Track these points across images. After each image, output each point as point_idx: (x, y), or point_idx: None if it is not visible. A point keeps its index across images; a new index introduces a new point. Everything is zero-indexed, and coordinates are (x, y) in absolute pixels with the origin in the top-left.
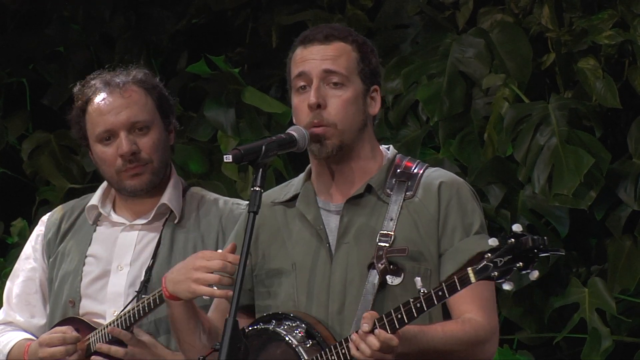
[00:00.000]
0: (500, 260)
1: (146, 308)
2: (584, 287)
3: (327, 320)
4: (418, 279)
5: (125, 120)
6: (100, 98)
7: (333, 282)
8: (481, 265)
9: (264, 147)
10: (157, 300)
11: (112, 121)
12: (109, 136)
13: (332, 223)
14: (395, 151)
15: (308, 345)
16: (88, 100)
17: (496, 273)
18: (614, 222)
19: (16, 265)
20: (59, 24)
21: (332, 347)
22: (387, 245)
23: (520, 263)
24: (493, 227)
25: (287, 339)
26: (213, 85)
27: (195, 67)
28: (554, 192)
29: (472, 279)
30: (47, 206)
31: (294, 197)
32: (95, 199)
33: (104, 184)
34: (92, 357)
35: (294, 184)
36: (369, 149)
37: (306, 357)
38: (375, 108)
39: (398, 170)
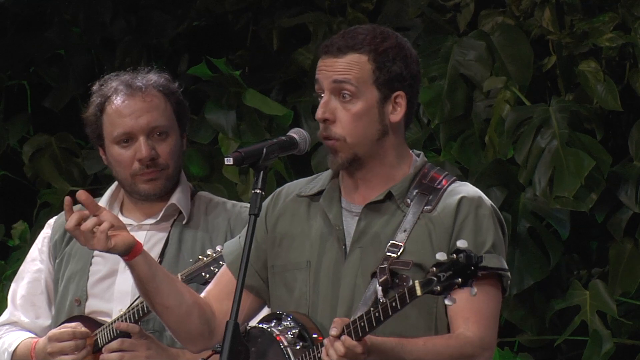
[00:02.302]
0: (443, 275)
1: None
2: (585, 290)
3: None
4: (379, 289)
5: (145, 124)
6: (120, 100)
7: (343, 285)
8: (427, 278)
9: (265, 150)
10: None
11: (131, 125)
12: (127, 139)
13: (351, 225)
14: (425, 159)
15: (298, 347)
16: (107, 100)
17: (439, 288)
18: (615, 224)
19: (21, 268)
20: (59, 27)
21: (310, 350)
22: (395, 256)
23: (460, 279)
24: None
25: (278, 339)
26: (214, 87)
27: (196, 70)
28: (554, 194)
29: (418, 291)
30: (48, 209)
31: (319, 193)
32: (102, 202)
33: (112, 187)
34: (101, 356)
35: (322, 179)
36: (394, 156)
37: (293, 359)
38: (397, 115)
39: (423, 182)
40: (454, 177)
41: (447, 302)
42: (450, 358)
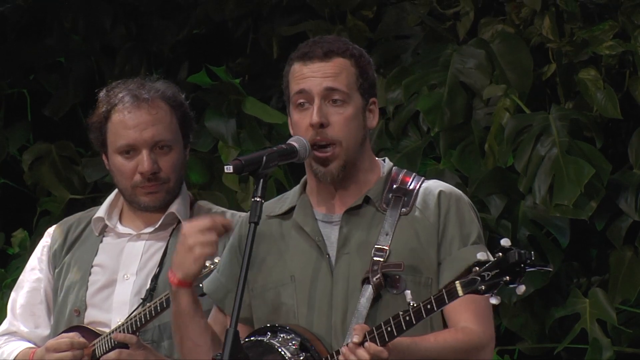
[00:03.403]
0: (488, 274)
1: (149, 314)
2: (584, 298)
3: (330, 331)
4: (408, 292)
5: (149, 138)
6: (126, 110)
7: (335, 293)
8: (469, 278)
9: (264, 158)
10: (160, 306)
11: (135, 137)
12: (130, 150)
13: (331, 235)
14: (391, 164)
15: (301, 358)
16: (112, 109)
17: (483, 287)
18: (614, 232)
19: (21, 277)
20: (59, 34)
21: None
22: (382, 260)
23: (507, 277)
24: (494, 238)
25: (280, 351)
26: (214, 95)
27: (196, 78)
28: (554, 202)
29: (460, 292)
30: (48, 217)
31: (290, 210)
32: (101, 211)
33: (111, 195)
34: None
35: (289, 197)
36: (368, 162)
37: None
38: (373, 121)
39: (394, 186)
40: (423, 177)
41: (493, 301)
42: (461, 351)
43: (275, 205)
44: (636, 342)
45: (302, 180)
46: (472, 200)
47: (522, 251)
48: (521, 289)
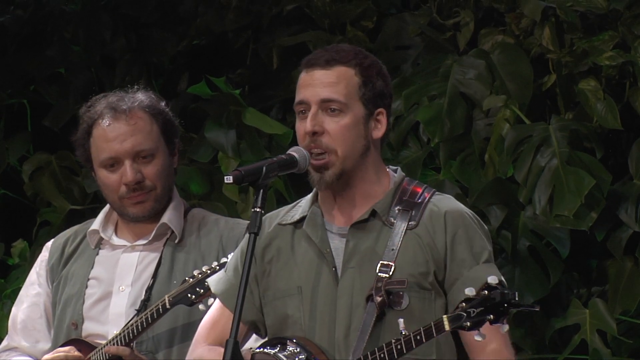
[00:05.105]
0: (473, 311)
1: (144, 323)
2: (584, 308)
3: (333, 345)
4: (401, 321)
5: (130, 148)
6: (105, 124)
7: (339, 307)
8: (455, 314)
9: (264, 168)
10: (155, 315)
11: (116, 149)
12: (113, 163)
13: (339, 247)
14: (403, 174)
15: None
16: (93, 124)
17: (469, 323)
18: (614, 243)
19: (21, 291)
20: (59, 45)
21: None
22: (387, 276)
23: (491, 315)
24: (494, 248)
25: None
26: (214, 106)
27: (196, 89)
28: (554, 213)
29: (447, 326)
30: (48, 227)
31: (302, 219)
32: (96, 223)
33: (106, 207)
34: None
35: (302, 206)
36: (374, 173)
37: None
38: (379, 132)
39: (403, 198)
40: (434, 190)
41: (477, 337)
42: None
43: (288, 213)
44: (636, 352)
45: (315, 189)
46: (472, 211)
47: (506, 291)
48: (505, 328)
